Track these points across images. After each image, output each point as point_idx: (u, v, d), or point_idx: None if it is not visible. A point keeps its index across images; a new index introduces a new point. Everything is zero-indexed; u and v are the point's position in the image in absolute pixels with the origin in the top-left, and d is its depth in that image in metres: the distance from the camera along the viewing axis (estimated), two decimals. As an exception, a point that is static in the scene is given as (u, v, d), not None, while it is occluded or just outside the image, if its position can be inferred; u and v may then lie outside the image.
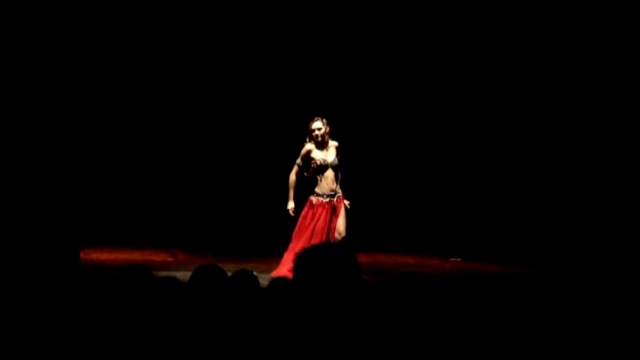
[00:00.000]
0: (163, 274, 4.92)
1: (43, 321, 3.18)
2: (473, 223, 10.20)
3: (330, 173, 7.46)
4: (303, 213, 7.47)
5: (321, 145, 7.46)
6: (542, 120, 9.84)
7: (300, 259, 2.87)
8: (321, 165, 7.43)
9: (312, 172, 7.47)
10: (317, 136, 7.40)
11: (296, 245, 7.31)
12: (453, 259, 9.47)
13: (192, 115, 10.33)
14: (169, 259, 9.04)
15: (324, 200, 7.45)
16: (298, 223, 7.46)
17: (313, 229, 7.39)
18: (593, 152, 9.47)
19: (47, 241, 6.60)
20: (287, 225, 7.55)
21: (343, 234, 7.41)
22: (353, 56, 10.26)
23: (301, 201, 7.54)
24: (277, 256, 7.55)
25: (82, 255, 7.13)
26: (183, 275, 3.79)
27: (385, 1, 10.15)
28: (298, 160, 7.49)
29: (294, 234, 7.47)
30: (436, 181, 10.50)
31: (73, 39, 6.82)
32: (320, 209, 7.44)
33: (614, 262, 8.40)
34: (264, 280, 3.63)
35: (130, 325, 3.16)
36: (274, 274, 7.13)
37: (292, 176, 7.47)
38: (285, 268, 7.16)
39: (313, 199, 7.47)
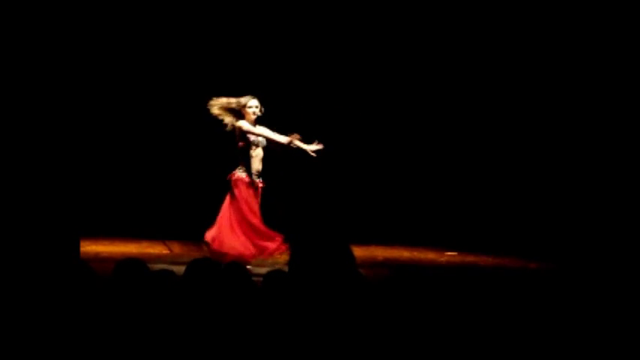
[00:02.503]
0: (159, 266, 4.92)
1: (39, 315, 3.18)
2: (468, 216, 10.20)
3: (260, 152, 7.48)
4: (238, 195, 7.41)
5: (253, 125, 7.45)
6: (536, 110, 9.85)
7: (295, 252, 2.87)
8: (255, 142, 7.43)
9: (243, 145, 7.42)
10: (255, 113, 7.39)
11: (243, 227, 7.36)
12: (448, 253, 9.46)
13: (186, 108, 10.29)
14: (165, 251, 9.03)
15: (253, 179, 7.44)
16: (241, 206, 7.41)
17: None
18: (587, 143, 9.48)
19: (47, 235, 6.59)
20: (282, 217, 7.52)
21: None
22: (346, 49, 10.24)
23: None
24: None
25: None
26: (179, 268, 3.78)
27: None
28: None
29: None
30: (431, 173, 10.49)
31: (66, 34, 6.82)
32: (249, 188, 7.44)
33: (614, 255, 8.41)
34: (260, 269, 3.63)
35: (126, 318, 3.16)
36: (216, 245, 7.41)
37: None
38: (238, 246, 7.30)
39: (243, 176, 7.43)
